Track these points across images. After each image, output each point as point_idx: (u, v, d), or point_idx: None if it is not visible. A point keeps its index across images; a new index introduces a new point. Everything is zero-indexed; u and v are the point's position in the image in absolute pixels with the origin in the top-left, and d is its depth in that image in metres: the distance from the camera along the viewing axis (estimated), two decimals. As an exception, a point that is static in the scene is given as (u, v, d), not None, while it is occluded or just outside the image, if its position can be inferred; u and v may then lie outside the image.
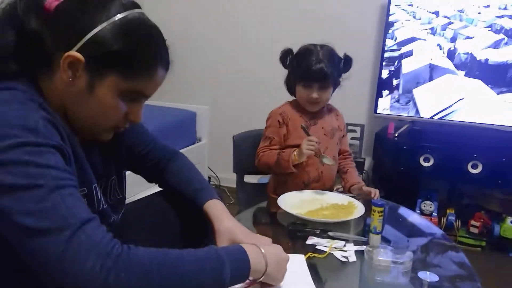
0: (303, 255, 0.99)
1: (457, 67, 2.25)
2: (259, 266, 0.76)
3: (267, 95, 2.58)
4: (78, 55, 0.69)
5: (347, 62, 1.52)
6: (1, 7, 0.72)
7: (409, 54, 2.32)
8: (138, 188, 1.33)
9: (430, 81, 2.30)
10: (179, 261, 0.65)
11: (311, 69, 1.43)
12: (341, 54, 1.52)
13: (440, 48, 2.27)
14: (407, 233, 1.29)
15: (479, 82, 2.22)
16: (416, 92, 2.31)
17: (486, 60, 2.20)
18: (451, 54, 2.25)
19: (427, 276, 0.88)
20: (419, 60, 2.32)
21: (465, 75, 2.24)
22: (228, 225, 0.92)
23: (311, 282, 0.88)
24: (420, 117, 2.31)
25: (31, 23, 0.70)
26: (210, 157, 2.85)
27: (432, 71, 2.30)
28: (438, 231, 1.29)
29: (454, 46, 2.25)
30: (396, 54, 2.33)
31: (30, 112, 0.65)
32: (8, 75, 0.70)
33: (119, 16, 0.71)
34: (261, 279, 0.78)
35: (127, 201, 0.99)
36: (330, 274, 0.99)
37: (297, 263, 0.95)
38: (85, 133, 0.80)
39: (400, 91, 2.33)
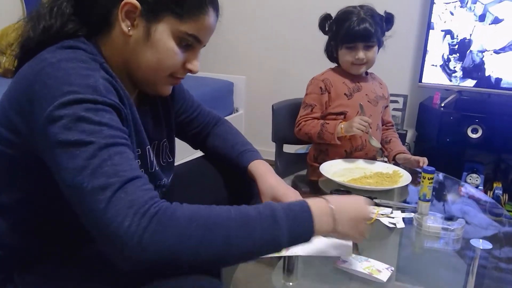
0: None
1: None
2: (325, 225, 0.68)
3: (304, 65, 2.53)
4: (134, 1, 0.71)
5: (389, 19, 1.46)
6: None
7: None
8: (183, 154, 1.34)
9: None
10: (224, 222, 0.61)
11: (355, 29, 1.38)
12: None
13: (452, 38, 2.05)
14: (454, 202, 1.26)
15: None
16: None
17: None
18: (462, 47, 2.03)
19: (480, 243, 0.85)
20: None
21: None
22: (271, 182, 0.91)
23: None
24: (468, 86, 2.20)
25: None
26: (246, 127, 2.85)
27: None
28: (489, 200, 1.25)
29: (471, 35, 2.03)
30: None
31: (91, 71, 0.67)
32: (69, 35, 0.72)
33: None
34: (329, 236, 0.73)
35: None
36: (376, 241, 0.98)
37: None
38: (146, 86, 0.81)
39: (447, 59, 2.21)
